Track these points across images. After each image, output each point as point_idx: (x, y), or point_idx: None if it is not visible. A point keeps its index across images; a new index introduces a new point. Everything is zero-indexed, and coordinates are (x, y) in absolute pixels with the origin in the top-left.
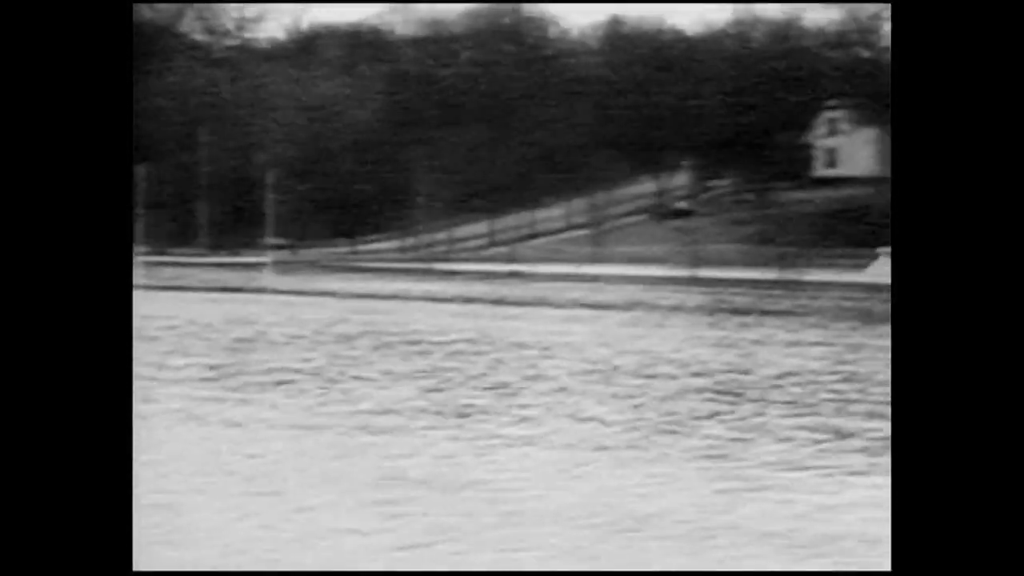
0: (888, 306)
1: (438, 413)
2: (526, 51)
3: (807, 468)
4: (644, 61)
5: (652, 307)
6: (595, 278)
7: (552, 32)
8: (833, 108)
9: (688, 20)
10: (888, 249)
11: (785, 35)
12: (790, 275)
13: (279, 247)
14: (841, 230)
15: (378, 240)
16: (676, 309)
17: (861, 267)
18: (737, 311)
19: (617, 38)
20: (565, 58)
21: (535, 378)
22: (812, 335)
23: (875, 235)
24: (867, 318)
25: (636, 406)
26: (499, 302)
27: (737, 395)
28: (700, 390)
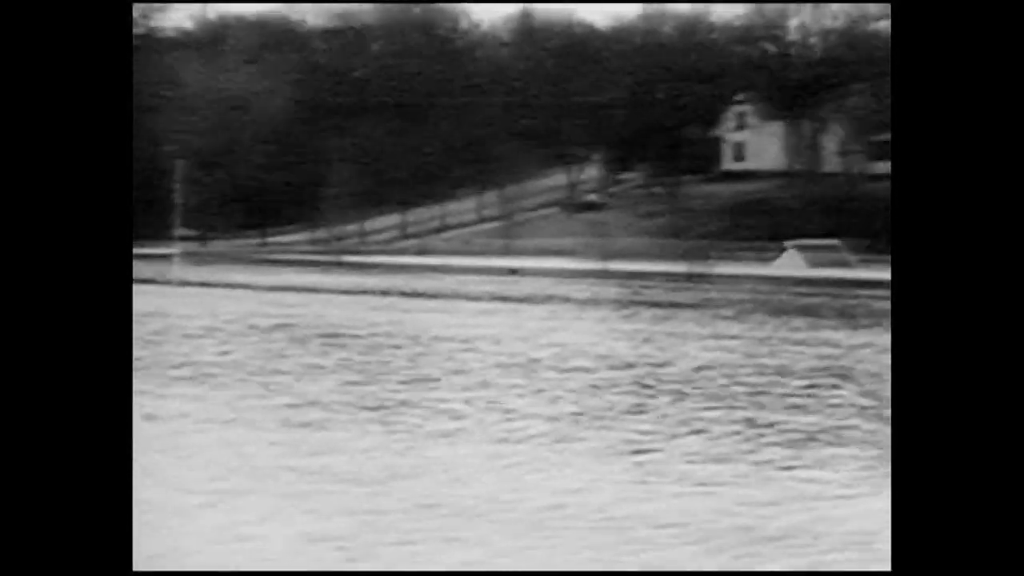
0: (798, 299)
1: (360, 407)
2: (437, 43)
3: (731, 462)
4: (554, 54)
5: (566, 300)
6: (507, 271)
7: (463, 24)
8: (741, 102)
9: (598, 14)
10: (794, 242)
11: (693, 30)
12: (699, 268)
13: (188, 239)
14: (749, 223)
15: (288, 232)
16: (590, 302)
17: (768, 260)
18: (650, 304)
19: (528, 31)
20: (476, 50)
21: (456, 372)
22: (726, 328)
23: (783, 229)
24: (778, 311)
25: (558, 400)
26: (413, 295)
27: (657, 388)
28: (620, 383)
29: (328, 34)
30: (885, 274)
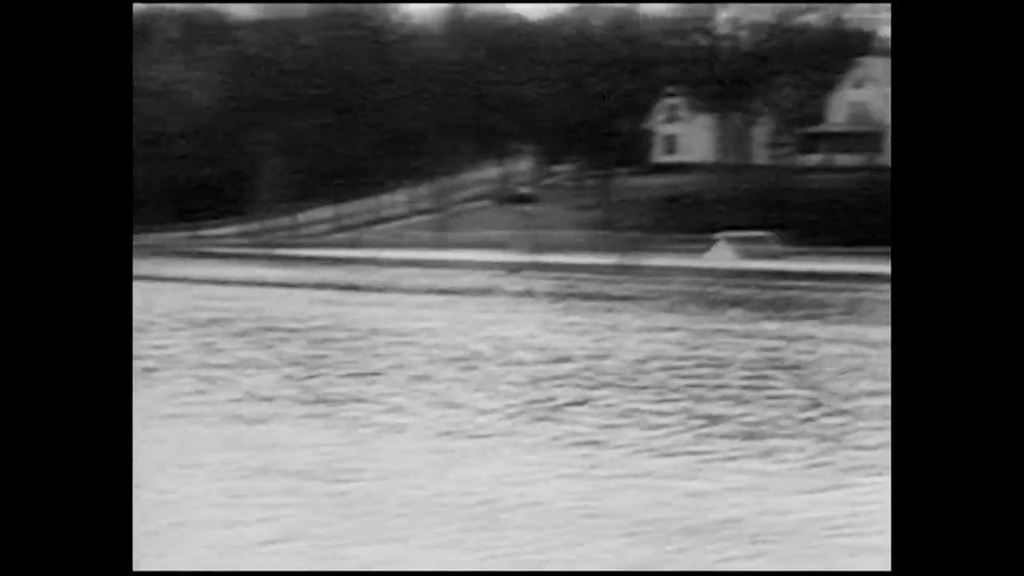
0: (732, 291)
1: (304, 401)
2: (368, 35)
3: (677, 455)
4: (486, 47)
5: (503, 293)
6: (443, 263)
7: (394, 17)
8: (672, 95)
9: (530, 6)
10: (725, 234)
11: (625, 22)
12: (632, 260)
13: None
14: (681, 216)
15: (220, 225)
16: (527, 295)
17: (700, 252)
18: (586, 297)
19: (459, 24)
20: (408, 43)
21: (399, 366)
22: (664, 320)
23: (714, 221)
24: (713, 303)
25: (501, 393)
26: (350, 288)
27: (601, 381)
28: (563, 376)
29: (258, 26)
30: (816, 266)
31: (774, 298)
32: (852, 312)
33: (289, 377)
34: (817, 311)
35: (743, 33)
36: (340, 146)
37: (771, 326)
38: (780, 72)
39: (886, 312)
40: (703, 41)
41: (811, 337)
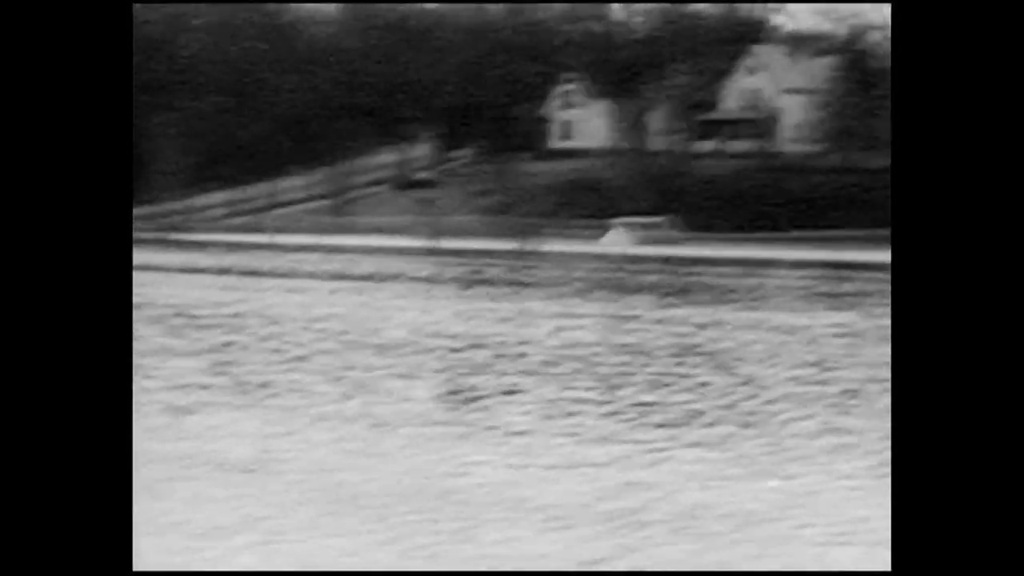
0: (634, 277)
1: (224, 389)
2: (265, 18)
3: (607, 443)
4: (384, 31)
5: (409, 279)
6: (344, 249)
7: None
8: (568, 81)
9: None
10: (621, 220)
11: (521, 8)
12: (530, 246)
13: None
14: (577, 201)
15: None
16: (434, 281)
17: (597, 238)
18: (493, 282)
19: (357, 7)
20: (305, 27)
21: (318, 353)
22: (574, 306)
23: (610, 206)
24: (619, 289)
25: (428, 382)
26: (254, 274)
27: (523, 369)
28: (486, 364)
29: (154, 8)
30: (712, 251)
31: (678, 284)
32: (757, 298)
33: (211, 365)
34: (721, 296)
35: (638, 20)
36: (237, 130)
37: (680, 312)
38: (674, 59)
39: (789, 297)
40: (598, 28)
41: (722, 323)
